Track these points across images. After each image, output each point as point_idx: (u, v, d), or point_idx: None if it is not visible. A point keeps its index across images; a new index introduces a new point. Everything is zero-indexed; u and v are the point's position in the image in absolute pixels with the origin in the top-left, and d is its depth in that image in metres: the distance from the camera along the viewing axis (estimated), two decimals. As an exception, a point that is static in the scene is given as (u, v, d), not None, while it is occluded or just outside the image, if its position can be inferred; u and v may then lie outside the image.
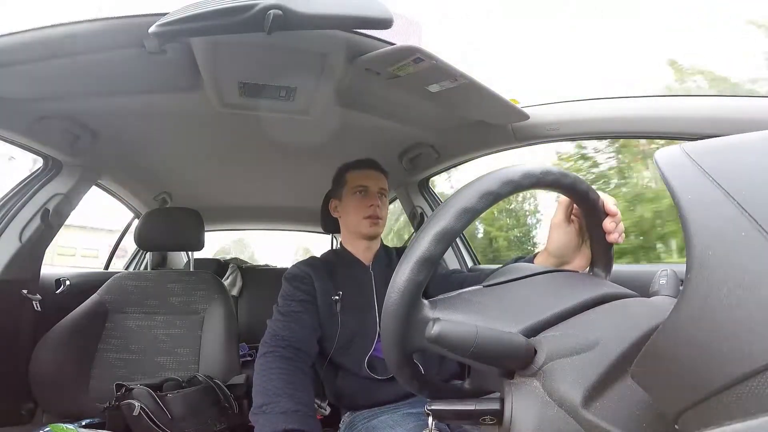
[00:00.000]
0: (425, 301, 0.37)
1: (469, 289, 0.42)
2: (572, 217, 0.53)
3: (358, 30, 0.73)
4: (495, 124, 1.06)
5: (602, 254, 0.50)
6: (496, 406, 0.35)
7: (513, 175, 0.39)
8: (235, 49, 0.78)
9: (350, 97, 0.99)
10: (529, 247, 3.90)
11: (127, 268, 2.11)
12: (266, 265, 2.84)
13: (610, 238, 0.48)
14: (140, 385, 0.99)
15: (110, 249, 2.04)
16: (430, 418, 0.38)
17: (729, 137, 0.28)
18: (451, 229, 0.36)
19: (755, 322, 0.20)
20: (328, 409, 1.05)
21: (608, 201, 0.48)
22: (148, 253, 2.13)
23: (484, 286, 0.43)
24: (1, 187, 1.18)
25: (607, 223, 0.47)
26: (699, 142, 0.28)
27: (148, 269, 2.12)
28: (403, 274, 0.36)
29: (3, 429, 1.07)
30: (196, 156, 1.48)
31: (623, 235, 0.49)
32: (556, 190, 0.44)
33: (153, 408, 0.95)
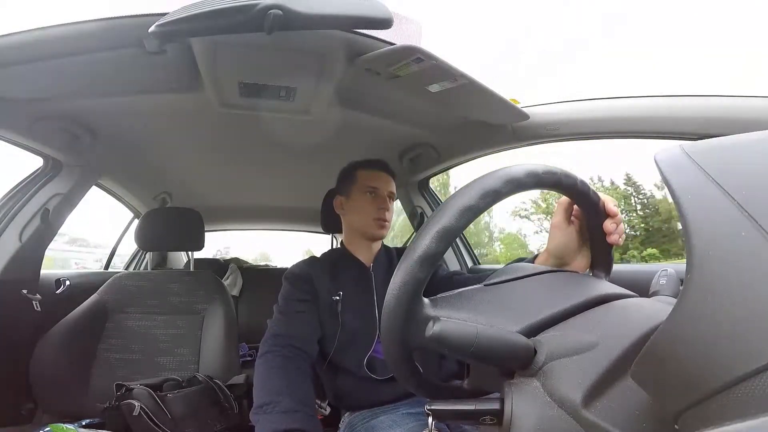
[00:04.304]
0: (426, 299, 0.38)
1: (470, 287, 0.42)
2: (572, 218, 0.53)
3: (358, 30, 0.73)
4: (495, 124, 1.06)
5: (602, 255, 0.50)
6: (495, 406, 0.35)
7: (515, 174, 0.38)
8: (235, 49, 0.78)
9: (350, 97, 0.99)
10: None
11: (127, 268, 2.12)
12: (266, 265, 2.84)
13: (611, 239, 0.48)
14: (140, 385, 0.99)
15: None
16: (430, 418, 0.38)
17: (729, 137, 0.28)
18: (452, 227, 0.36)
19: (755, 322, 0.20)
20: (328, 409, 1.05)
21: (609, 202, 0.48)
22: (148, 253, 2.13)
23: (485, 285, 0.43)
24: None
25: (608, 224, 0.47)
26: (699, 142, 0.28)
27: (148, 269, 2.12)
28: (404, 271, 0.36)
29: (3, 429, 1.07)
30: (196, 156, 1.48)
31: (624, 236, 0.49)
32: (557, 190, 0.44)
33: (153, 408, 0.95)
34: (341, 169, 1.07)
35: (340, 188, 1.06)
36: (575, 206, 0.51)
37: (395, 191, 1.04)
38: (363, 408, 0.93)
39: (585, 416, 0.29)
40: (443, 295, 0.40)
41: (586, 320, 0.37)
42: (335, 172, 1.08)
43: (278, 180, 1.80)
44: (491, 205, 0.38)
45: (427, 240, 0.36)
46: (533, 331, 0.36)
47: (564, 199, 0.51)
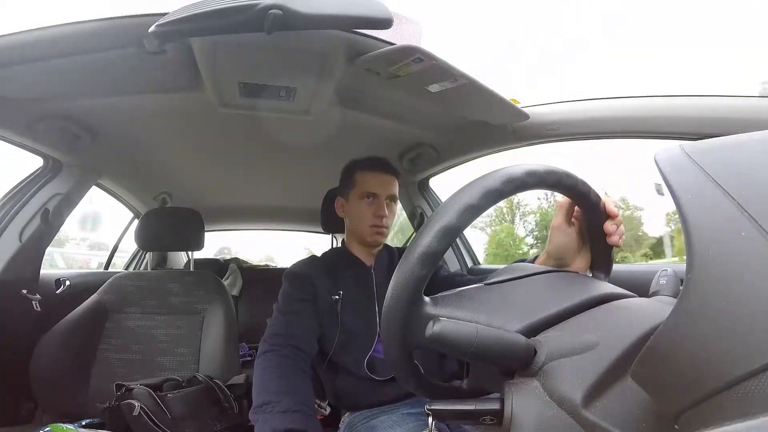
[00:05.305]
0: (426, 298, 0.38)
1: (471, 286, 0.42)
2: (573, 219, 0.53)
3: (358, 30, 0.73)
4: (495, 124, 1.06)
5: (602, 256, 0.50)
6: (496, 406, 0.35)
7: (516, 173, 0.39)
8: (235, 49, 0.78)
9: (350, 97, 0.99)
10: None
11: (127, 268, 2.12)
12: (266, 265, 2.84)
13: (611, 240, 0.48)
14: (140, 385, 0.99)
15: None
16: (430, 418, 0.38)
17: (729, 137, 0.28)
18: (454, 225, 0.36)
19: (755, 322, 0.20)
20: (328, 409, 1.05)
21: (609, 203, 0.48)
22: (148, 253, 2.13)
23: (485, 284, 0.43)
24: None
25: (608, 225, 0.47)
26: (699, 142, 0.28)
27: (148, 269, 2.12)
28: (405, 269, 0.36)
29: (3, 429, 1.07)
30: (196, 156, 1.48)
31: (624, 237, 0.49)
32: (558, 190, 0.44)
33: (153, 408, 0.95)
34: (343, 168, 1.04)
35: (341, 190, 1.03)
36: (575, 208, 0.51)
37: (397, 193, 1.00)
38: (363, 408, 0.93)
39: (585, 416, 0.29)
40: (444, 293, 0.40)
41: (586, 320, 0.37)
42: (335, 172, 1.07)
43: (278, 180, 1.80)
44: (492, 205, 0.38)
45: (428, 238, 0.36)
46: (533, 330, 0.36)
47: (564, 200, 0.51)
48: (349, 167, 1.02)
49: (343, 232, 1.08)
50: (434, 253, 0.36)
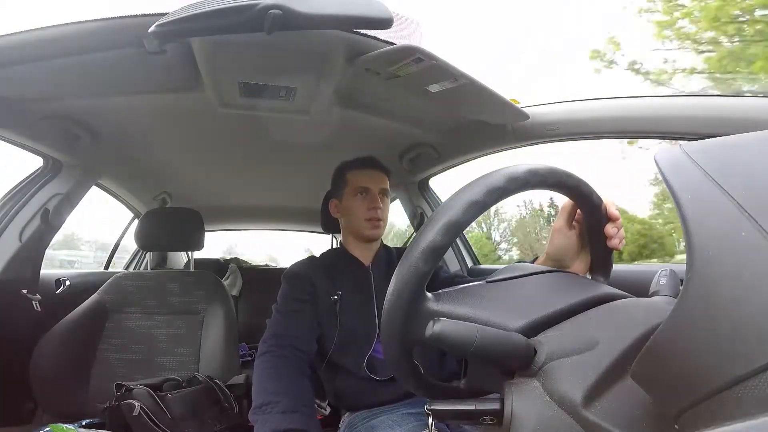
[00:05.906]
0: (429, 294, 0.38)
1: (472, 284, 0.42)
2: (574, 222, 0.53)
3: (358, 30, 0.73)
4: (495, 124, 1.06)
5: (602, 259, 0.50)
6: (495, 406, 0.35)
7: (519, 172, 0.39)
8: (235, 49, 0.78)
9: (350, 97, 0.99)
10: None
11: (127, 268, 2.12)
12: (266, 265, 2.84)
13: (611, 243, 0.48)
14: (140, 385, 0.99)
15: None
16: (430, 418, 0.38)
17: (729, 137, 0.28)
18: (457, 221, 0.36)
19: (755, 322, 0.20)
20: (328, 409, 1.05)
21: (610, 205, 0.47)
22: (148, 253, 2.14)
23: (487, 282, 0.43)
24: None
25: (609, 228, 0.47)
26: (699, 142, 0.28)
27: (148, 269, 2.12)
28: (408, 264, 0.36)
29: (3, 429, 1.07)
30: (196, 156, 1.48)
31: (624, 240, 0.49)
32: (559, 190, 0.44)
33: (153, 408, 0.95)
34: (334, 171, 1.07)
35: (333, 192, 1.06)
36: (577, 211, 0.51)
37: (389, 188, 1.03)
38: (363, 408, 0.92)
39: (585, 416, 0.29)
40: (446, 290, 0.40)
41: (586, 320, 0.37)
42: (334, 171, 1.08)
43: (278, 180, 1.80)
44: (496, 202, 0.38)
45: (432, 233, 0.36)
46: (534, 329, 0.36)
47: (567, 202, 0.51)
48: (340, 168, 1.05)
49: (343, 233, 1.08)
50: (438, 248, 0.36)
